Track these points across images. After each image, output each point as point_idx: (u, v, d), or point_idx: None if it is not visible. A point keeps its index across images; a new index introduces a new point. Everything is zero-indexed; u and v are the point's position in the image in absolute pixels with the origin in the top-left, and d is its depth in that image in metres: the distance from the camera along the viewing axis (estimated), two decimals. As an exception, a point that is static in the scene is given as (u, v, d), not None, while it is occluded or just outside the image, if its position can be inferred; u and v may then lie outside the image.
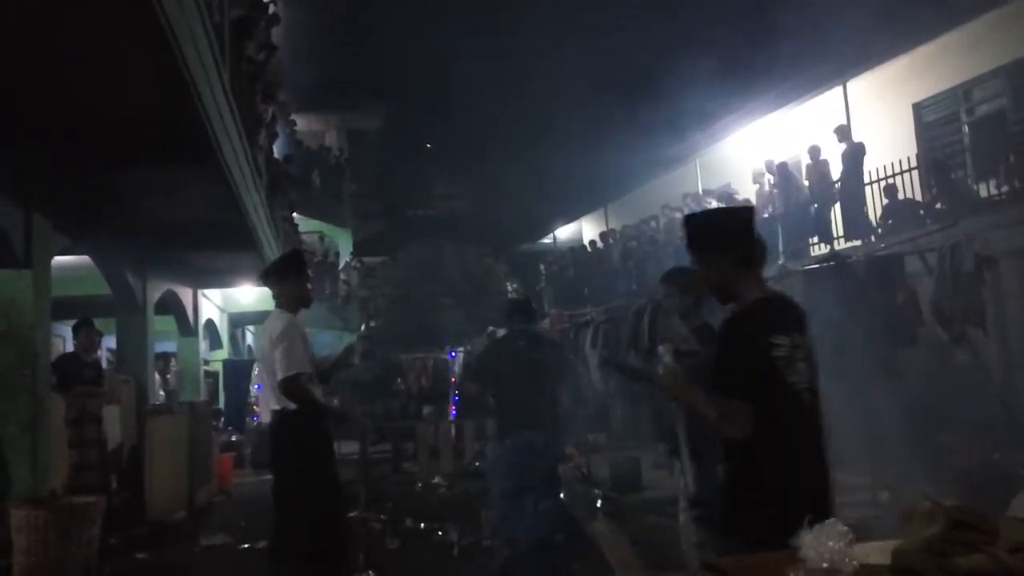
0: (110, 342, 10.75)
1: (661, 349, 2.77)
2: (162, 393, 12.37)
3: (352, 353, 5.39)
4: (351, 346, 5.57)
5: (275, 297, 4.56)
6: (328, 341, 21.37)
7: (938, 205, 9.49)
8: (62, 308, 8.03)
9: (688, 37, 14.03)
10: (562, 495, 5.37)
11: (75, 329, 7.63)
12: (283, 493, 4.36)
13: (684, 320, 4.17)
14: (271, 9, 10.06)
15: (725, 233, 2.57)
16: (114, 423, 8.33)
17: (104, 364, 9.87)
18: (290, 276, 4.55)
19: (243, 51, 7.74)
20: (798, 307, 2.51)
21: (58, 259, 7.10)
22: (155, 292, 10.49)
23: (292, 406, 4.26)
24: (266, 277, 4.69)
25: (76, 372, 7.32)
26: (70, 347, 9.25)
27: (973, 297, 6.05)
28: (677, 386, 2.66)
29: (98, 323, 7.94)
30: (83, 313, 8.07)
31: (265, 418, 4.57)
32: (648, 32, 18.56)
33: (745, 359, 2.39)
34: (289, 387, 4.21)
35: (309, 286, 4.73)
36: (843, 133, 11.20)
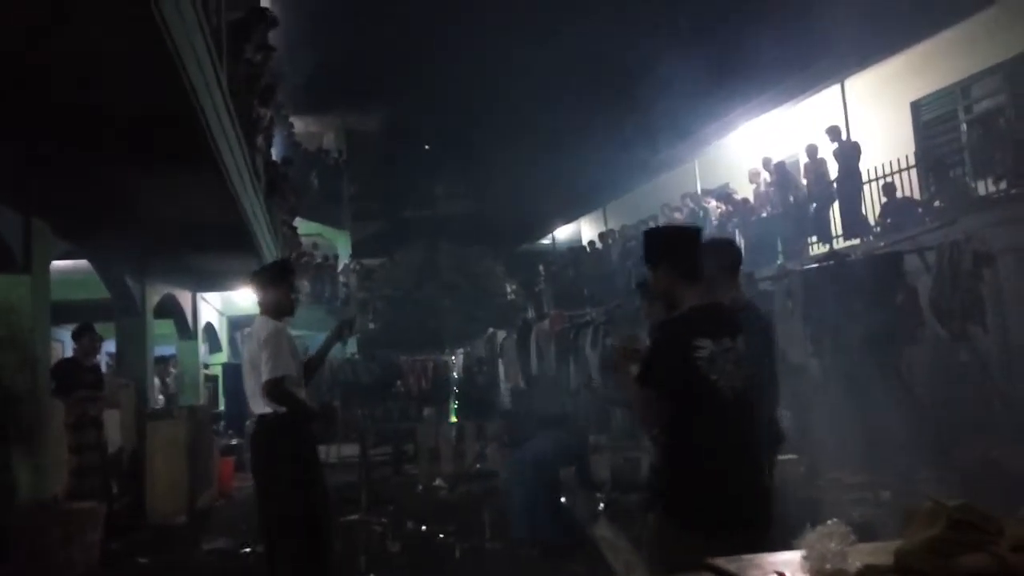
0: (109, 346, 10.74)
1: (609, 341, 2.98)
2: (161, 397, 12.36)
3: (344, 329, 5.42)
4: (343, 323, 5.60)
5: (259, 303, 4.62)
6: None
7: (936, 203, 9.49)
8: (61, 312, 8.03)
9: (686, 36, 14.03)
10: (563, 499, 5.40)
11: (76, 334, 7.63)
12: (266, 497, 4.38)
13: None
14: (269, 11, 10.05)
15: (669, 249, 2.98)
16: (114, 427, 8.33)
17: (103, 368, 9.86)
18: (275, 284, 4.60)
19: (241, 53, 7.74)
20: (734, 316, 2.94)
21: (57, 263, 7.11)
22: (154, 296, 10.49)
23: (278, 410, 4.29)
24: (253, 283, 4.76)
25: (76, 377, 7.32)
26: (69, 352, 9.25)
27: (972, 294, 6.04)
28: (620, 363, 3.05)
29: (97, 327, 7.94)
30: (82, 317, 8.07)
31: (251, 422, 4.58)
32: (646, 31, 18.55)
33: (672, 357, 2.73)
34: (273, 390, 4.25)
35: (293, 295, 4.77)
36: (835, 133, 11.22)
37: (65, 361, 7.92)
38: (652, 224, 15.91)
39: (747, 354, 2.79)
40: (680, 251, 2.95)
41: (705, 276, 2.94)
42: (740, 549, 2.08)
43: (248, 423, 13.71)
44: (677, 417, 2.74)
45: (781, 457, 7.24)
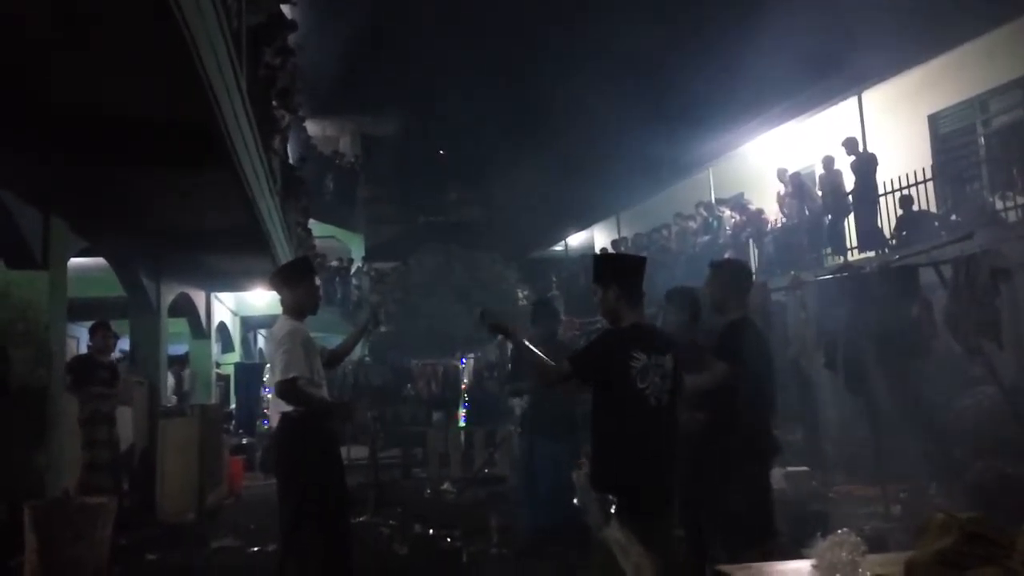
0: (124, 344, 10.83)
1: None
2: (174, 397, 12.44)
3: (371, 322, 5.51)
4: (371, 315, 5.64)
5: (282, 303, 4.61)
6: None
7: (953, 216, 9.44)
8: (77, 309, 8.11)
9: (704, 46, 14.04)
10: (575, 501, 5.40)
11: (92, 330, 7.68)
12: (287, 495, 4.39)
13: (680, 333, 4.26)
14: (289, 14, 10.13)
15: (613, 272, 3.47)
16: (127, 424, 8.38)
17: (118, 365, 9.93)
18: (296, 283, 4.57)
19: (260, 57, 7.80)
20: (667, 337, 3.50)
21: (73, 260, 7.17)
22: (169, 295, 10.56)
23: (300, 409, 4.31)
24: (273, 282, 4.75)
25: (91, 373, 7.37)
26: (84, 348, 9.32)
27: (988, 310, 5.99)
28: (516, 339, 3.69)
29: (112, 325, 8.00)
30: (97, 315, 8.13)
31: (274, 422, 4.60)
32: (664, 41, 18.57)
33: (611, 362, 3.21)
34: (285, 389, 4.26)
35: (317, 293, 4.77)
36: (851, 146, 11.17)
37: (80, 357, 7.98)
38: (665, 232, 15.92)
39: (672, 371, 3.27)
40: (624, 276, 3.41)
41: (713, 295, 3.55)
42: (655, 529, 3.07)
43: (258, 422, 13.86)
44: (608, 414, 3.25)
45: (791, 468, 7.25)
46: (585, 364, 3.34)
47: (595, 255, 3.91)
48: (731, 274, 4.29)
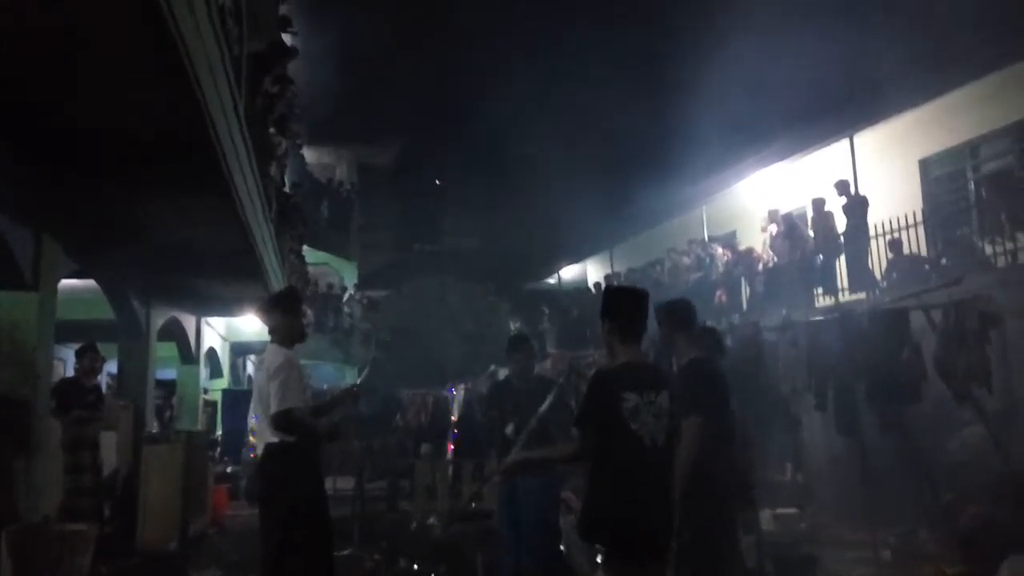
0: (111, 367, 10.74)
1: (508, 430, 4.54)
2: (156, 423, 12.30)
3: (352, 396, 5.43)
4: (351, 391, 5.56)
5: (270, 332, 4.62)
6: (329, 372, 21.33)
7: (943, 260, 9.50)
8: (64, 331, 8.03)
9: (698, 85, 14.21)
10: (562, 547, 5.33)
11: (79, 353, 7.62)
12: (270, 526, 4.34)
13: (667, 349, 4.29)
14: (289, 42, 10.22)
15: (611, 308, 3.38)
16: (110, 449, 8.28)
17: (104, 389, 9.83)
18: (285, 312, 4.62)
19: (260, 84, 7.85)
20: (659, 374, 3.35)
21: (63, 282, 7.12)
22: (159, 319, 10.50)
23: (286, 439, 4.30)
24: (262, 312, 4.78)
25: (76, 397, 7.29)
26: (71, 370, 9.23)
27: (978, 355, 6.01)
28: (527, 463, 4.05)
29: (100, 347, 7.93)
30: (85, 337, 8.07)
31: (260, 450, 4.58)
32: (659, 79, 18.80)
33: (601, 405, 3.14)
34: (281, 421, 4.27)
35: (304, 322, 4.78)
36: (843, 187, 11.29)
37: (66, 380, 7.91)
38: (659, 268, 15.98)
39: (668, 409, 3.20)
40: (620, 312, 3.35)
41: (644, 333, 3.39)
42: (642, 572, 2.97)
43: (244, 451, 13.69)
44: (600, 458, 3.14)
45: (780, 510, 7.21)
46: (586, 421, 3.21)
47: (600, 285, 3.82)
48: (673, 315, 4.22)
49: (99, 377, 8.00)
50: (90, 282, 8.88)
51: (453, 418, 13.84)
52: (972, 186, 10.98)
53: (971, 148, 11.03)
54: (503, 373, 13.81)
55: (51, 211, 6.23)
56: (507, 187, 26.48)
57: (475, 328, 21.04)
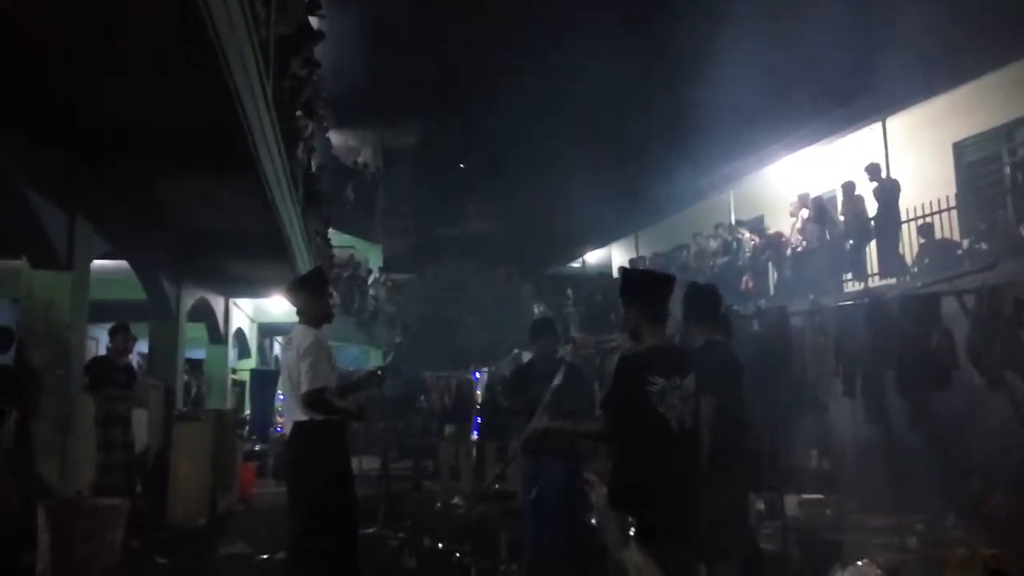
0: (142, 347, 10.91)
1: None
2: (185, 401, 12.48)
3: (376, 379, 5.48)
4: (375, 374, 5.60)
5: (298, 312, 4.68)
6: (354, 354, 21.51)
7: (981, 245, 9.33)
8: (97, 311, 8.16)
9: (728, 69, 14.03)
10: (593, 520, 5.34)
11: (112, 332, 7.75)
12: (298, 504, 4.40)
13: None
14: (316, 25, 10.24)
15: (638, 290, 3.39)
16: (142, 427, 8.43)
17: (135, 368, 10.01)
18: (312, 293, 4.68)
19: (287, 67, 7.88)
20: (685, 357, 3.35)
21: (95, 262, 7.24)
22: (189, 299, 10.64)
23: (315, 417, 4.36)
24: (290, 292, 4.85)
25: (108, 375, 7.42)
26: (103, 349, 9.39)
27: (1012, 341, 5.90)
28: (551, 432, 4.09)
29: (131, 327, 8.05)
30: (117, 317, 8.20)
31: (287, 429, 4.66)
32: (688, 61, 18.59)
33: (628, 390, 3.15)
34: (312, 400, 4.33)
35: (331, 303, 4.83)
36: (874, 172, 11.11)
37: (99, 358, 8.04)
38: (685, 252, 15.87)
39: (694, 392, 3.22)
40: (648, 295, 3.33)
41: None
42: (672, 555, 2.97)
43: (272, 429, 13.87)
44: (628, 441, 3.17)
45: (806, 496, 7.17)
46: (614, 405, 3.25)
47: (622, 269, 3.86)
48: (693, 299, 4.26)
49: (130, 356, 8.13)
50: (123, 263, 9.02)
51: (477, 400, 13.90)
52: (1008, 170, 10.76)
53: (1007, 131, 10.79)
54: (527, 357, 13.83)
55: (85, 193, 6.33)
56: (531, 171, 26.39)
57: (498, 312, 21.05)
